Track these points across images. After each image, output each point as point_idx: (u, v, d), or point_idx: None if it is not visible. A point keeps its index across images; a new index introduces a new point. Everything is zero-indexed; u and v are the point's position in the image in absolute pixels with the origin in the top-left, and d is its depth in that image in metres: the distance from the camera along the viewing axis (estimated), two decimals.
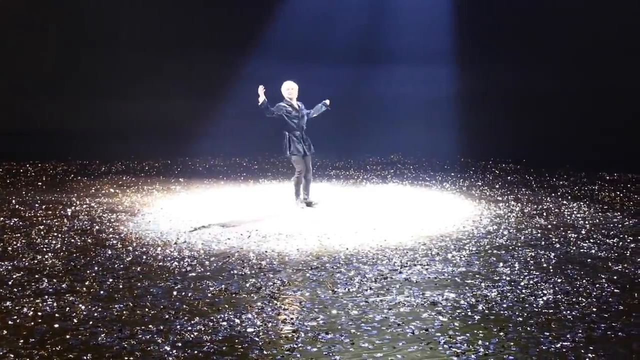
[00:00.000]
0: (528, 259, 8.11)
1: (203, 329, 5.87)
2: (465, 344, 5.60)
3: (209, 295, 6.77)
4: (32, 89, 19.55)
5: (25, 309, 6.27)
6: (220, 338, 5.69)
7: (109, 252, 8.26)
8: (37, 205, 11.07)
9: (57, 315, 6.15)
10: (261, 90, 10.38)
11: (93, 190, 12.47)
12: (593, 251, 8.50)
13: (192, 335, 5.73)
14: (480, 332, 5.87)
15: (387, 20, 20.98)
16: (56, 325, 5.90)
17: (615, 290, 6.97)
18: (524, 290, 6.96)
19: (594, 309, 6.42)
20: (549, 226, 9.86)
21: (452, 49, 20.64)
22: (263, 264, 7.86)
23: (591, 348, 5.53)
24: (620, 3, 19.22)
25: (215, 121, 18.55)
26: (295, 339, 5.69)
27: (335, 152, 17.27)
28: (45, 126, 18.60)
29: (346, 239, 9.05)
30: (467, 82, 20.49)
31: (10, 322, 5.96)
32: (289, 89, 10.86)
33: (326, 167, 15.81)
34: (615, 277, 7.41)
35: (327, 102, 11.09)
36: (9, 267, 7.57)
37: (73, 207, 10.92)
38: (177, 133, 18.80)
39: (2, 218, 10.04)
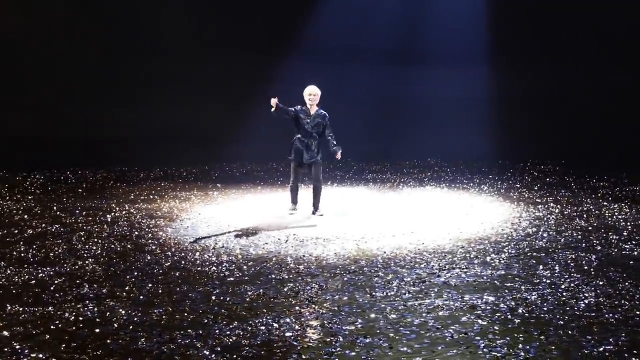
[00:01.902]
0: (568, 262, 8.00)
1: (242, 333, 5.89)
2: (506, 348, 5.54)
3: (247, 299, 6.79)
4: (71, 97, 19.79)
5: (66, 314, 6.35)
6: (258, 342, 5.70)
7: (148, 258, 8.34)
8: (77, 211, 11.21)
9: (97, 320, 6.22)
10: (273, 102, 10.45)
11: (132, 197, 12.60)
12: (635, 253, 8.36)
13: (230, 340, 5.75)
14: (521, 335, 5.80)
15: (425, 21, 20.83)
16: (97, 330, 5.97)
17: None
18: (564, 293, 6.87)
19: (638, 312, 6.31)
20: (590, 228, 9.72)
21: (490, 49, 20.46)
22: (301, 268, 7.86)
23: (635, 352, 5.43)
24: None
25: (251, 125, 18.61)
26: (333, 343, 5.67)
27: (372, 156, 17.21)
28: (85, 133, 18.83)
29: (384, 243, 9.02)
30: (504, 83, 20.28)
31: (52, 327, 6.04)
32: (310, 95, 10.67)
33: (363, 171, 15.78)
34: None
35: (339, 154, 10.88)
36: (51, 273, 7.68)
37: (113, 213, 11.05)
38: (214, 138, 18.88)
39: (44, 225, 10.19)
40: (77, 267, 7.93)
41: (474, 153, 17.16)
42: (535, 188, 13.13)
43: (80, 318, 6.26)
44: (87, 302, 6.69)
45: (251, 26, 20.83)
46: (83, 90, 19.90)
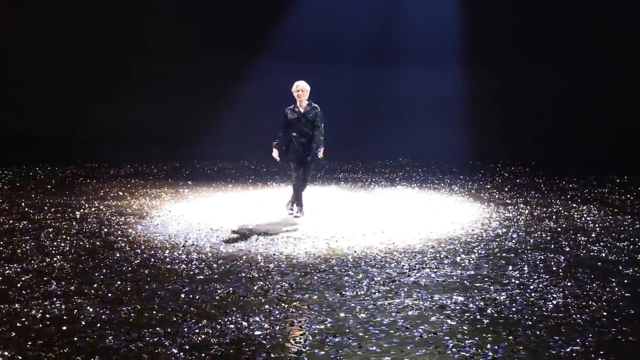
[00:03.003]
0: (537, 263, 8.06)
1: (210, 331, 5.86)
2: (474, 348, 5.57)
3: (217, 298, 6.76)
4: (43, 96, 19.59)
5: (33, 311, 6.27)
6: (227, 341, 5.67)
7: (117, 255, 8.27)
8: (46, 208, 11.09)
9: (65, 317, 6.16)
10: (276, 155, 10.50)
11: (102, 194, 12.49)
12: (603, 254, 8.45)
13: (199, 338, 5.71)
14: (489, 335, 5.83)
15: (397, 21, 20.89)
16: (64, 328, 5.90)
17: (625, 294, 6.92)
18: (533, 294, 6.92)
19: (605, 313, 6.38)
20: (559, 229, 9.81)
21: (462, 50, 20.56)
22: (271, 267, 7.84)
23: (601, 352, 5.49)
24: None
25: (223, 124, 18.55)
26: (302, 342, 5.67)
27: (344, 155, 17.22)
28: (56, 132, 18.63)
29: (354, 242, 9.03)
30: (476, 84, 20.40)
31: (18, 324, 5.96)
32: (298, 91, 10.39)
33: (334, 170, 15.79)
34: (625, 281, 7.36)
35: (321, 152, 10.57)
36: (18, 270, 7.58)
37: (82, 210, 10.94)
38: (186, 136, 18.80)
39: (11, 221, 10.06)
40: (44, 264, 7.84)
41: (445, 153, 17.24)
42: (506, 189, 13.23)
43: (48, 315, 6.18)
44: (55, 299, 6.62)
45: (226, 26, 20.74)
46: (54, 90, 19.70)
